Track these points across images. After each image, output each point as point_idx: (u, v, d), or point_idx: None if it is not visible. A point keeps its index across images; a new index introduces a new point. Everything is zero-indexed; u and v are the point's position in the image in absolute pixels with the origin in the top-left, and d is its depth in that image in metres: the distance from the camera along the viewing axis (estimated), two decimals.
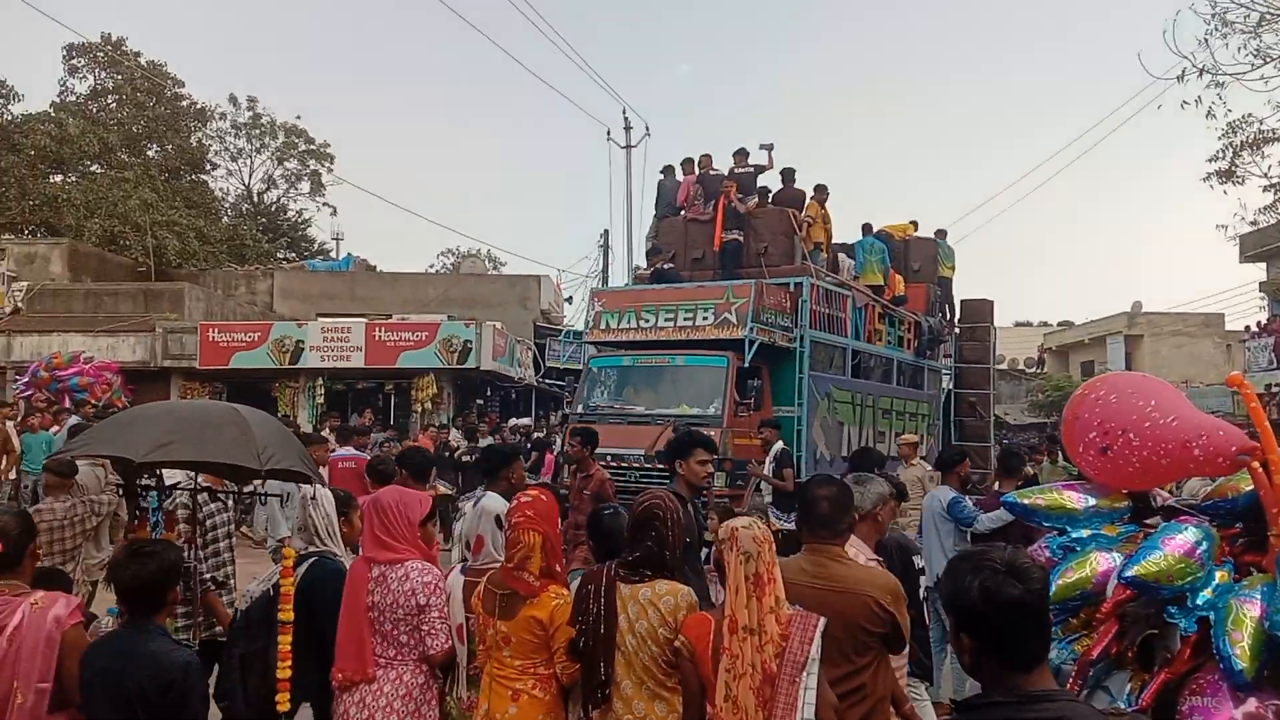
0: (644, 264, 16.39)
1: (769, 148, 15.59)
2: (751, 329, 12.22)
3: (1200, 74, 14.16)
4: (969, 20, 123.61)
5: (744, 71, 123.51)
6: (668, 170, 16.14)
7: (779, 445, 11.20)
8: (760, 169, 15.46)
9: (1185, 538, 2.90)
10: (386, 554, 3.82)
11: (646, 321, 13.33)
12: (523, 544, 3.56)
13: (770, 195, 15.15)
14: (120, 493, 7.49)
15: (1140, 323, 37.67)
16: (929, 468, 11.31)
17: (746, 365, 12.16)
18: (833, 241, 16.04)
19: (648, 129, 35.40)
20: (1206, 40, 14.32)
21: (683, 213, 15.40)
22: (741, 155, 15.51)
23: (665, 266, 14.53)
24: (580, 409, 13.20)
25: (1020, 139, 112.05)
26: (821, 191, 15.50)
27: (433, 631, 3.78)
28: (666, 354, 12.97)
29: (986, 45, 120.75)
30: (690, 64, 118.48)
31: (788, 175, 15.45)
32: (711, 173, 15.35)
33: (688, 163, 15.87)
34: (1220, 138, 16.79)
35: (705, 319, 12.76)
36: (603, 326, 13.76)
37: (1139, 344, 37.26)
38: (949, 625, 2.05)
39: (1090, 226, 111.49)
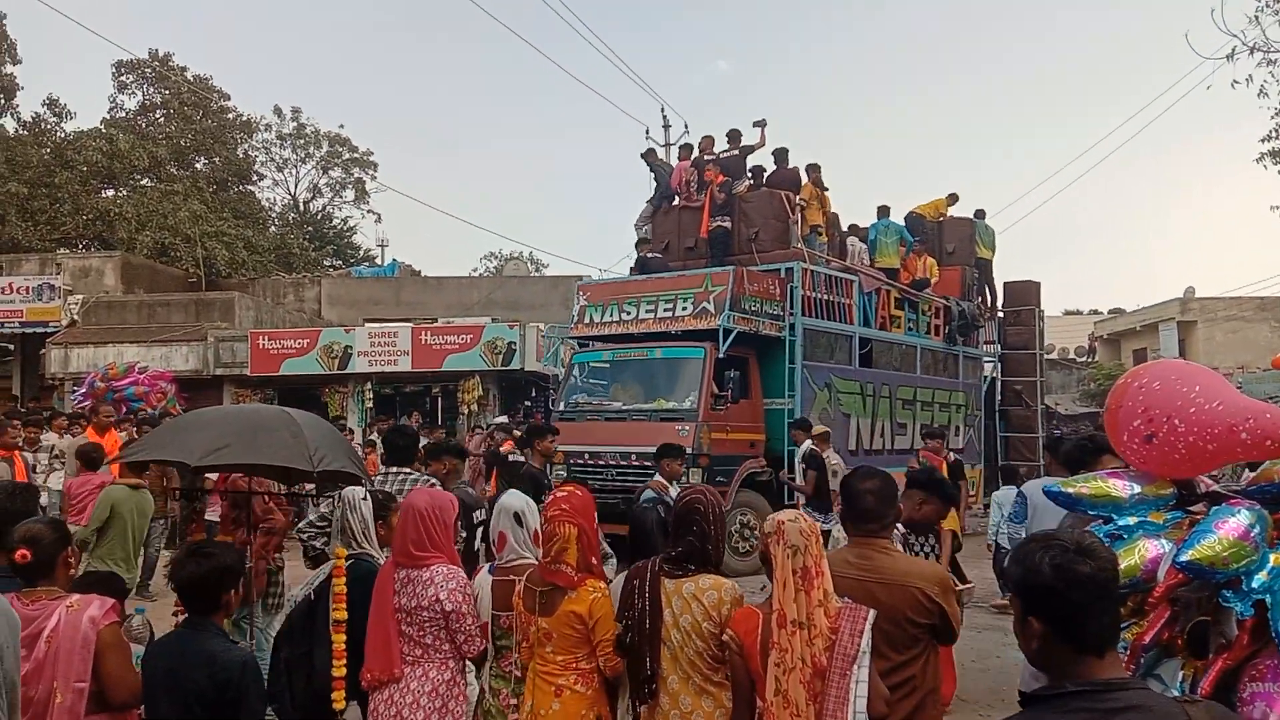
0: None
1: (762, 124, 14.84)
2: (729, 318, 11.68)
3: (1251, 52, 13.89)
4: (1018, 4, 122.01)
5: (785, 62, 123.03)
6: (650, 153, 15.47)
7: (807, 445, 10.77)
8: (750, 149, 14.78)
9: (1239, 520, 2.85)
10: (415, 558, 3.86)
11: (628, 314, 12.87)
12: (559, 536, 3.59)
13: (765, 176, 14.46)
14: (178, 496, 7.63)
15: (1193, 308, 36.86)
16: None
17: (723, 356, 11.65)
18: (843, 225, 15.39)
19: (686, 126, 35.29)
20: (1257, 17, 14.04)
21: (677, 199, 14.85)
22: (734, 137, 14.82)
23: (651, 255, 14.03)
24: (562, 406, 12.87)
25: (1067, 125, 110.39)
26: (814, 170, 14.70)
27: (469, 637, 3.84)
28: (645, 347, 12.53)
29: (1032, 29, 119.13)
30: (729, 59, 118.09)
31: (780, 156, 14.67)
32: (707, 157, 14.74)
33: (686, 149, 15.22)
34: (1273, 116, 16.37)
35: (685, 309, 12.26)
36: (586, 321, 13.33)
37: (1192, 330, 36.48)
38: (1015, 612, 1.98)
39: (1141, 212, 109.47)
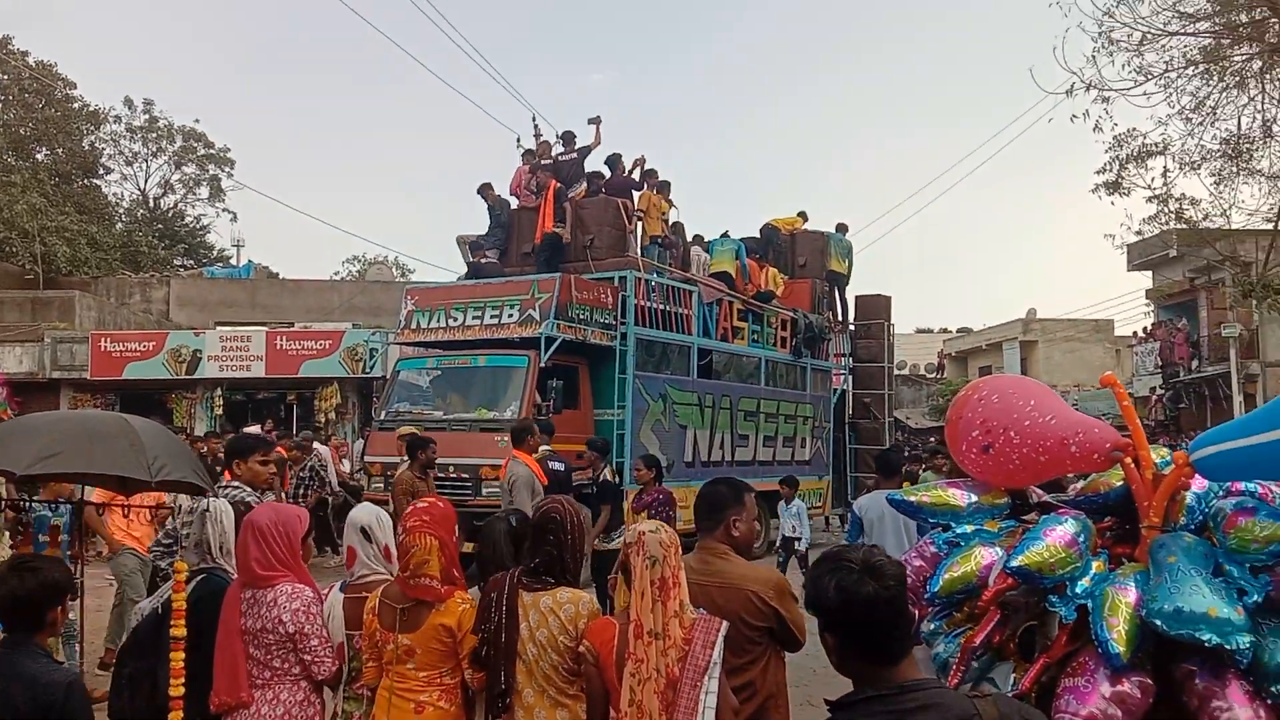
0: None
1: (596, 121, 14.57)
2: (553, 325, 11.45)
3: (1088, 89, 14.78)
4: (874, 31, 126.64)
5: (659, 75, 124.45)
6: (486, 187, 14.66)
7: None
8: (587, 150, 14.55)
9: (1066, 529, 3.01)
10: (260, 577, 3.71)
11: (455, 320, 12.56)
12: (419, 547, 3.50)
13: (602, 182, 14.18)
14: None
15: (1034, 329, 39.02)
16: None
17: (546, 365, 11.38)
18: (687, 235, 15.31)
19: (559, 135, 35.40)
20: (1094, 57, 14.96)
21: (516, 201, 14.55)
22: (569, 139, 14.61)
23: (485, 261, 13.78)
24: (384, 415, 12.47)
25: (922, 149, 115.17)
26: (653, 176, 14.55)
27: (317, 660, 3.69)
28: (470, 354, 12.23)
29: (890, 57, 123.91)
30: (604, 72, 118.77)
31: (614, 162, 14.46)
32: (544, 161, 14.51)
33: (528, 154, 14.86)
34: (1107, 150, 17.49)
35: (511, 316, 11.99)
36: (414, 326, 12.99)
37: (1033, 349, 38.59)
38: (818, 625, 2.06)
39: (989, 236, 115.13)
